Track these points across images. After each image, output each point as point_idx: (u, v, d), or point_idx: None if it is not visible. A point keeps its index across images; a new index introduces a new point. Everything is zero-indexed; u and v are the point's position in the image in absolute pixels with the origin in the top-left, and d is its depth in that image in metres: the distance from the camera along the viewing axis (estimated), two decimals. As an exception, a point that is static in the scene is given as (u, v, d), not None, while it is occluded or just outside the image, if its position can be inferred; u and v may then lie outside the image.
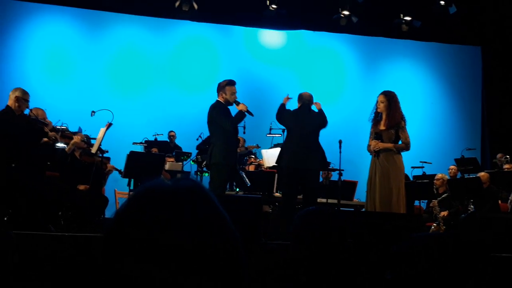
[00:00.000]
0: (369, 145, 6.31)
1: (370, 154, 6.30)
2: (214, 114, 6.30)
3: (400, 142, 6.20)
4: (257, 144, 9.59)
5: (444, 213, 7.93)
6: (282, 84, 11.62)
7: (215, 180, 6.25)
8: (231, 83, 6.44)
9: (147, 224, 0.74)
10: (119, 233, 0.76)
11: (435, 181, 8.31)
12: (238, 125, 6.69)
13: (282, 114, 6.67)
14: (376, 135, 6.22)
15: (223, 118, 6.28)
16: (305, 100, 6.62)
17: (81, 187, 6.67)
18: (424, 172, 9.40)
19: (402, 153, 6.22)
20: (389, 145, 6.14)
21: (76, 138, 6.68)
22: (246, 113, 6.36)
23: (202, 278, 0.74)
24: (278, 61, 12.18)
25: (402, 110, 6.31)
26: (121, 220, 0.78)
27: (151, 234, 0.74)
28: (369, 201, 6.17)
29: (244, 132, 9.21)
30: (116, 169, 7.64)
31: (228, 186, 7.89)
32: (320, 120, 6.59)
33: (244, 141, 9.94)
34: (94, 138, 7.35)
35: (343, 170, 7.60)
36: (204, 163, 8.21)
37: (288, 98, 6.85)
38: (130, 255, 0.74)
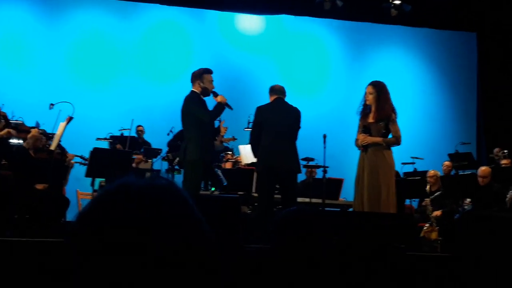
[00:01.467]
0: (356, 139, 6.34)
1: (358, 149, 6.33)
2: (191, 105, 6.24)
3: (390, 136, 6.24)
4: (233, 136, 9.56)
5: (437, 212, 8.01)
6: (260, 73, 11.63)
7: (189, 179, 6.21)
8: (208, 71, 6.41)
9: (118, 223, 0.75)
10: (85, 235, 0.77)
11: (427, 178, 8.38)
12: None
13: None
14: (364, 128, 6.25)
15: (202, 110, 6.24)
16: (278, 93, 6.55)
17: (39, 186, 6.60)
18: (415, 168, 9.48)
19: (392, 148, 6.27)
20: (378, 139, 6.18)
21: (34, 131, 6.60)
22: (225, 105, 6.33)
23: (175, 281, 0.75)
24: (257, 48, 12.17)
25: (392, 101, 6.35)
26: (88, 220, 0.78)
27: (122, 234, 0.75)
28: (356, 200, 6.21)
29: (223, 122, 9.20)
30: (79, 156, 7.55)
31: (202, 185, 7.87)
32: (297, 115, 6.51)
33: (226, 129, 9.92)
34: (53, 134, 7.27)
35: (327, 167, 7.62)
36: (176, 160, 8.18)
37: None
38: (99, 259, 0.74)
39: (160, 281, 0.74)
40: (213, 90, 6.39)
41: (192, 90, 6.36)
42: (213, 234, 0.82)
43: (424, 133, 12.10)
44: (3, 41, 10.96)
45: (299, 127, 6.50)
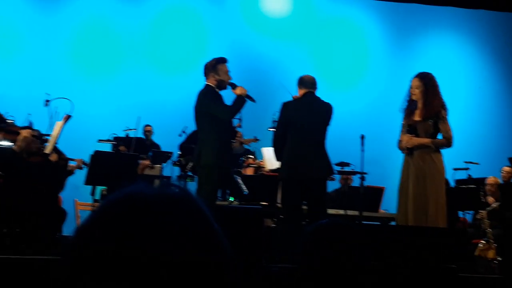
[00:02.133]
0: (400, 141, 6.31)
1: (402, 152, 6.30)
2: (206, 102, 6.25)
3: (440, 137, 6.19)
4: (255, 137, 9.55)
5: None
6: (287, 62, 11.62)
7: (204, 186, 6.22)
8: (222, 60, 6.42)
9: (125, 240, 0.76)
10: (85, 252, 0.77)
11: (485, 187, 8.30)
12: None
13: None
14: (409, 128, 6.21)
15: (220, 106, 6.24)
16: (308, 85, 6.53)
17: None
18: (469, 175, 9.39)
19: (442, 151, 6.22)
20: (426, 140, 6.14)
21: (24, 133, 6.65)
22: (246, 98, 6.31)
23: None
24: (283, 33, 12.18)
25: (442, 96, 6.31)
26: (89, 235, 0.78)
27: (129, 253, 0.75)
28: (400, 212, 6.16)
29: (239, 125, 9.21)
30: (85, 164, 7.58)
31: (220, 195, 7.89)
32: (328, 112, 6.46)
33: (241, 135, 9.92)
34: (49, 135, 7.33)
35: (366, 173, 7.57)
36: (189, 165, 8.20)
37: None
38: (101, 280, 0.74)
39: None
40: (230, 81, 6.38)
41: (206, 84, 6.37)
42: (233, 251, 0.82)
43: (479, 133, 11.99)
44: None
45: (328, 125, 6.46)
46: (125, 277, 0.74)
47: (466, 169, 9.51)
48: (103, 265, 0.75)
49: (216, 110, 6.22)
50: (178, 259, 0.76)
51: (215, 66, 6.35)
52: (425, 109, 6.21)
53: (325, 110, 6.46)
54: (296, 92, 6.58)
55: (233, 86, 6.37)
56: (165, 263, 0.75)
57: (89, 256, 0.76)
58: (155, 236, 0.76)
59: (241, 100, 6.30)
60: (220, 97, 6.37)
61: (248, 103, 6.41)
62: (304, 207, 6.54)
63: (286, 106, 6.47)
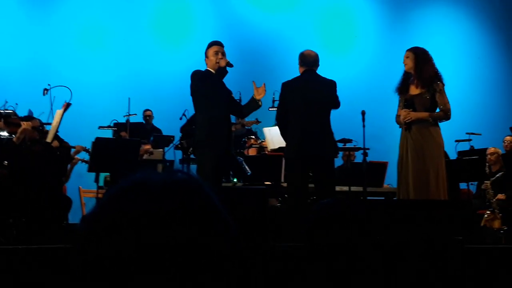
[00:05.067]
0: (397, 115, 6.31)
1: (400, 127, 6.30)
2: (194, 81, 6.28)
3: (437, 110, 6.18)
4: (257, 119, 9.55)
5: (500, 196, 7.92)
6: (288, 37, 11.51)
7: (201, 167, 6.23)
8: (211, 43, 6.44)
9: (133, 224, 0.77)
10: (95, 240, 0.77)
11: (486, 157, 8.30)
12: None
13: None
14: (407, 102, 6.20)
15: (202, 82, 6.21)
16: (309, 64, 6.49)
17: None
18: (472, 146, 9.40)
19: (441, 124, 6.21)
20: (424, 114, 6.13)
21: (24, 124, 6.65)
22: (226, 67, 6.30)
23: (200, 283, 0.77)
24: (282, 6, 12.07)
25: (441, 70, 6.30)
26: (97, 222, 0.79)
27: (141, 238, 0.76)
28: (401, 186, 6.17)
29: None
30: (86, 150, 7.61)
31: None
32: (331, 89, 6.42)
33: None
34: (49, 124, 7.33)
35: (368, 149, 7.56)
36: (191, 148, 8.20)
37: None
38: (112, 266, 0.75)
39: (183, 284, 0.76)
40: (221, 59, 6.35)
41: (206, 69, 6.39)
42: (239, 232, 0.84)
43: (480, 104, 11.97)
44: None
45: (336, 103, 6.41)
46: (132, 262, 0.75)
47: (469, 140, 9.51)
48: (111, 252, 0.76)
49: (200, 88, 6.21)
50: (185, 243, 0.77)
51: (206, 50, 6.38)
52: (420, 79, 6.19)
53: (326, 88, 6.38)
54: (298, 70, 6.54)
55: (219, 62, 6.35)
56: (172, 248, 0.76)
57: (97, 243, 0.77)
58: (162, 221, 0.77)
59: (220, 71, 6.28)
60: (210, 77, 6.29)
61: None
62: (311, 185, 6.54)
63: (284, 86, 6.46)
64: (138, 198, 0.80)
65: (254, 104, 6.47)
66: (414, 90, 6.23)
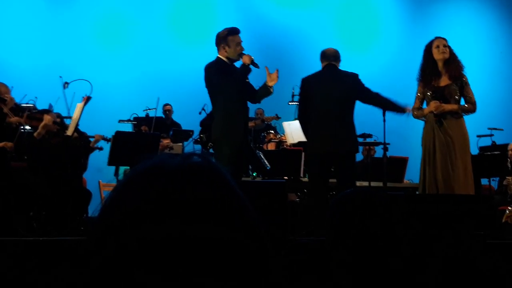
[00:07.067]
0: (414, 108, 6.25)
1: (415, 118, 6.26)
2: (210, 75, 6.18)
3: (462, 103, 6.13)
4: (277, 115, 9.54)
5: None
6: (307, 33, 11.49)
7: (218, 162, 6.19)
8: (233, 31, 6.30)
9: (151, 212, 0.74)
10: (111, 228, 0.76)
11: (508, 152, 8.24)
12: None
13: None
14: (435, 93, 6.11)
15: (221, 77, 6.10)
16: (331, 58, 6.42)
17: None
18: (494, 141, 9.32)
19: (466, 117, 6.16)
20: (455, 106, 6.09)
21: (46, 119, 6.69)
22: (251, 66, 6.19)
23: (221, 281, 0.74)
24: (302, 2, 12.04)
25: (464, 63, 6.27)
26: (114, 209, 0.77)
27: (155, 223, 0.73)
28: (428, 181, 6.09)
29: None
30: (105, 139, 7.65)
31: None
32: (354, 82, 6.36)
33: (263, 112, 9.90)
34: (69, 117, 7.37)
35: (388, 144, 7.52)
36: (210, 143, 8.21)
37: None
38: (130, 257, 0.73)
39: (204, 282, 0.73)
40: (242, 52, 6.26)
41: (217, 57, 6.29)
42: (261, 218, 0.81)
43: (503, 99, 11.88)
44: (6, 8, 11.08)
45: (363, 94, 6.34)
46: (150, 250, 0.73)
47: (490, 135, 9.43)
48: (128, 239, 0.74)
49: (218, 83, 6.12)
50: (207, 229, 0.74)
51: (226, 38, 6.23)
52: (452, 70, 6.11)
53: (348, 81, 6.33)
54: (320, 66, 6.51)
55: (242, 56, 6.24)
56: (189, 237, 0.73)
57: (115, 230, 0.75)
58: (179, 208, 0.75)
59: (244, 69, 6.15)
60: (227, 69, 6.20)
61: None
62: (333, 180, 6.51)
63: (304, 81, 6.42)
64: (154, 183, 0.77)
65: (266, 91, 6.33)
66: (444, 81, 6.15)
